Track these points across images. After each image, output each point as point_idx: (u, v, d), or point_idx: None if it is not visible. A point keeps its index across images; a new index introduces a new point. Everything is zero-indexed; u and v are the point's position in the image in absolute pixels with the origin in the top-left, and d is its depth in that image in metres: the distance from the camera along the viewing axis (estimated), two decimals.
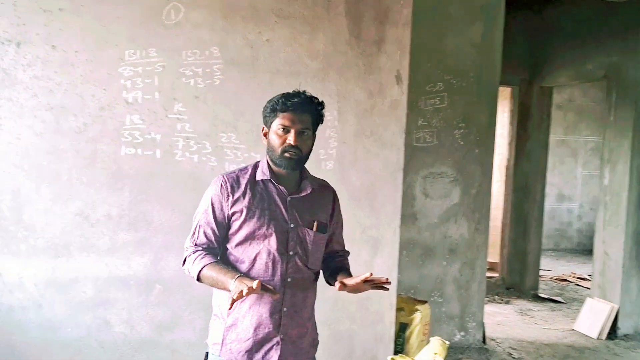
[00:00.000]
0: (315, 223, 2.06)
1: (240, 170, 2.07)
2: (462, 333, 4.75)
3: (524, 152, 6.48)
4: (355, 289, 1.96)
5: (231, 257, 2.02)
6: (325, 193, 2.16)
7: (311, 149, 2.03)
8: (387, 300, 3.26)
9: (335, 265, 2.16)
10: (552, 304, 6.20)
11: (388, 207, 3.25)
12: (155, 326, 2.97)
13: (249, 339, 1.99)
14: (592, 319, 5.26)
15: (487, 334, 4.95)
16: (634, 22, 5.08)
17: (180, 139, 2.96)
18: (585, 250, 9.28)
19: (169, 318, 2.98)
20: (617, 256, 5.21)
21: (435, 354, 3.56)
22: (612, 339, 5.07)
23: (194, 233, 2.04)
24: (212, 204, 2.01)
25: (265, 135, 2.06)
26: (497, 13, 4.70)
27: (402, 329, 3.45)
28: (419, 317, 3.42)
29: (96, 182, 2.86)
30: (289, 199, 2.03)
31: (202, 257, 1.97)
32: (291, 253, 2.02)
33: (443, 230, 4.68)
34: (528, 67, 6.41)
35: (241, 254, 2.01)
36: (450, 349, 4.56)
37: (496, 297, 6.35)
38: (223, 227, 2.02)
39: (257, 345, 1.99)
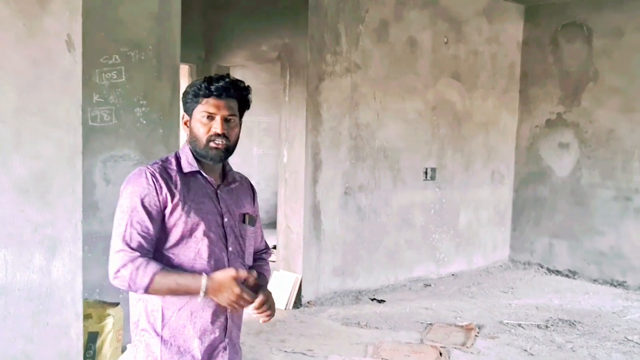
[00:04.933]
0: (245, 216, 1.97)
1: (163, 161, 1.88)
2: None
3: None
4: None
5: (165, 260, 1.79)
6: (245, 184, 2.06)
7: (238, 138, 1.91)
8: (71, 310, 2.75)
9: (255, 269, 2.02)
10: None
11: (66, 199, 2.72)
12: None
13: (194, 349, 1.84)
14: (279, 291, 5.47)
15: None
16: (302, 5, 5.35)
17: None
18: (264, 224, 9.72)
19: None
20: (298, 229, 5.51)
21: None
22: (298, 307, 5.37)
23: (124, 235, 1.74)
24: (142, 200, 1.77)
25: (186, 124, 1.89)
26: None
27: (91, 339, 2.97)
28: (112, 323, 2.99)
29: None
30: (218, 191, 1.91)
31: (148, 264, 1.72)
32: (230, 249, 1.90)
33: None
34: (204, 45, 6.32)
35: (178, 255, 1.81)
36: None
37: None
38: (157, 225, 1.78)
39: (204, 355, 1.86)
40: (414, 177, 6.23)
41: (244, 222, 1.99)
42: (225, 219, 1.91)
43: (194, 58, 6.20)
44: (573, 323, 5.21)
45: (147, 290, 1.73)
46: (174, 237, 1.82)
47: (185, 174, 1.87)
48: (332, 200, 5.59)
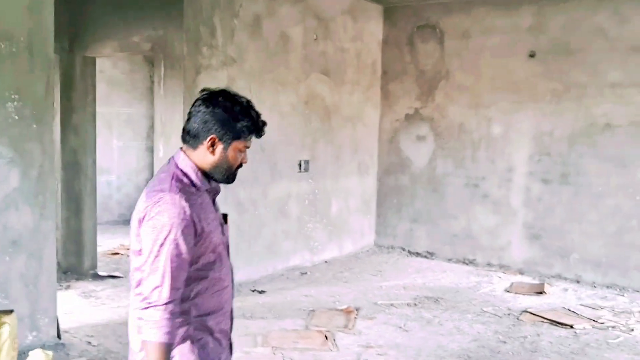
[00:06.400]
0: (225, 216, 2.04)
1: (178, 182, 1.82)
2: (35, 333, 4.18)
3: (71, 125, 6.06)
4: None
5: (194, 279, 1.83)
6: None
7: None
8: None
9: None
10: (113, 280, 6.08)
11: None
12: None
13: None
14: None
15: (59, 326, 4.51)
16: None
17: None
18: (126, 220, 9.42)
19: None
20: None
21: None
22: None
23: (165, 273, 1.72)
24: (182, 231, 1.74)
25: (213, 146, 1.86)
26: None
27: None
28: (8, 331, 2.82)
29: None
30: (215, 203, 1.97)
31: (180, 327, 1.78)
32: (229, 255, 2.02)
33: (3, 221, 3.97)
34: (69, 35, 5.96)
35: (207, 273, 1.86)
36: (24, 353, 3.97)
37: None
38: (192, 253, 1.79)
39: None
40: (290, 169, 6.43)
41: (225, 222, 2.06)
42: (224, 228, 1.98)
43: (57, 49, 5.78)
44: (437, 299, 5.74)
45: (156, 342, 1.73)
46: (205, 258, 1.85)
47: (201, 193, 1.88)
48: None
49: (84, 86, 6.07)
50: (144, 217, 1.78)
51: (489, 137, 7.08)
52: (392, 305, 5.53)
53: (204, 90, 1.93)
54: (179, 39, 5.33)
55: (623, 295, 6.04)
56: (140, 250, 1.80)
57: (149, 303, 1.73)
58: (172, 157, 1.94)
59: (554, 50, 6.59)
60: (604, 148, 6.35)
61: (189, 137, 1.89)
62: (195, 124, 1.87)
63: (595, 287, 6.33)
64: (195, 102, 1.91)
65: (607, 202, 6.35)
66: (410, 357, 4.35)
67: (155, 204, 1.76)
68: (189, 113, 1.92)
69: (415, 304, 5.57)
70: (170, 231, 1.73)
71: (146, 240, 1.75)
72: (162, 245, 1.73)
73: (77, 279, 6.02)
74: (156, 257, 1.73)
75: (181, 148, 1.94)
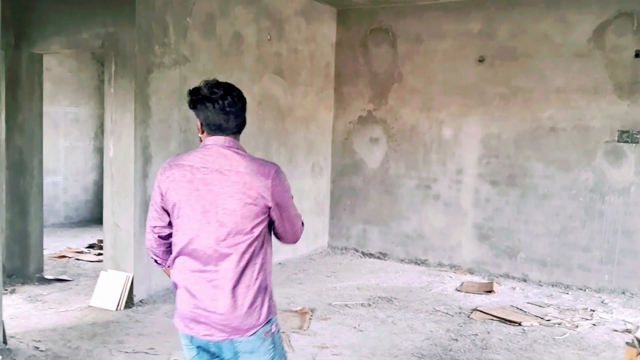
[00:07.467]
0: None
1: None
2: None
3: (16, 124, 5.84)
4: None
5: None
6: None
7: None
8: None
9: None
10: (60, 284, 5.89)
11: None
12: None
13: None
14: (108, 291, 5.26)
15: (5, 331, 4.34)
16: None
17: None
18: (72, 223, 9.19)
19: None
20: (127, 226, 5.33)
21: None
22: (130, 307, 5.21)
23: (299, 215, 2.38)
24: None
25: None
26: None
27: None
28: None
29: None
30: None
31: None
32: None
33: None
34: (14, 30, 5.75)
35: None
36: None
37: None
38: None
39: None
40: None
41: None
42: None
43: (2, 44, 5.59)
44: (390, 299, 5.80)
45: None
46: None
47: None
48: None
49: (30, 84, 5.87)
50: (270, 188, 2.18)
51: (440, 139, 7.21)
52: (346, 305, 5.56)
53: (221, 85, 2.26)
54: (130, 37, 5.21)
55: (567, 294, 6.25)
56: (253, 227, 2.19)
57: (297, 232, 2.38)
58: (231, 146, 2.23)
59: (501, 55, 6.78)
60: (549, 151, 6.57)
61: (228, 126, 2.24)
62: (238, 116, 2.27)
63: (541, 285, 6.54)
64: (225, 98, 2.21)
65: (552, 203, 6.57)
66: (365, 356, 4.38)
67: (277, 175, 2.22)
68: (220, 109, 2.20)
69: (369, 304, 5.62)
70: (290, 189, 2.30)
71: (283, 199, 2.24)
72: (292, 198, 2.31)
73: (23, 283, 5.80)
74: (293, 205, 2.32)
75: (227, 138, 2.26)
